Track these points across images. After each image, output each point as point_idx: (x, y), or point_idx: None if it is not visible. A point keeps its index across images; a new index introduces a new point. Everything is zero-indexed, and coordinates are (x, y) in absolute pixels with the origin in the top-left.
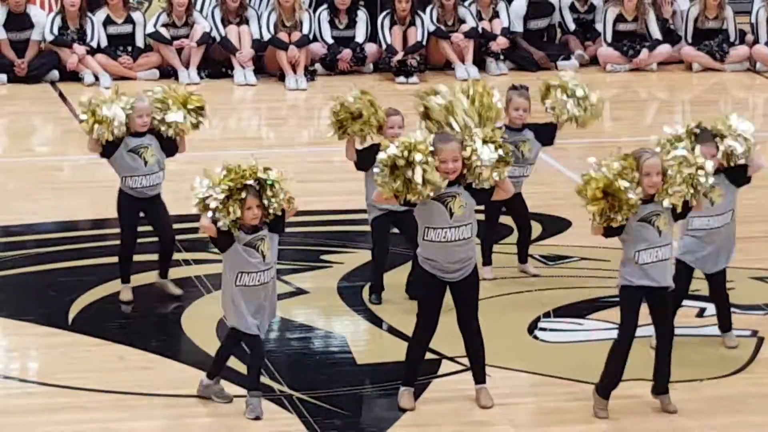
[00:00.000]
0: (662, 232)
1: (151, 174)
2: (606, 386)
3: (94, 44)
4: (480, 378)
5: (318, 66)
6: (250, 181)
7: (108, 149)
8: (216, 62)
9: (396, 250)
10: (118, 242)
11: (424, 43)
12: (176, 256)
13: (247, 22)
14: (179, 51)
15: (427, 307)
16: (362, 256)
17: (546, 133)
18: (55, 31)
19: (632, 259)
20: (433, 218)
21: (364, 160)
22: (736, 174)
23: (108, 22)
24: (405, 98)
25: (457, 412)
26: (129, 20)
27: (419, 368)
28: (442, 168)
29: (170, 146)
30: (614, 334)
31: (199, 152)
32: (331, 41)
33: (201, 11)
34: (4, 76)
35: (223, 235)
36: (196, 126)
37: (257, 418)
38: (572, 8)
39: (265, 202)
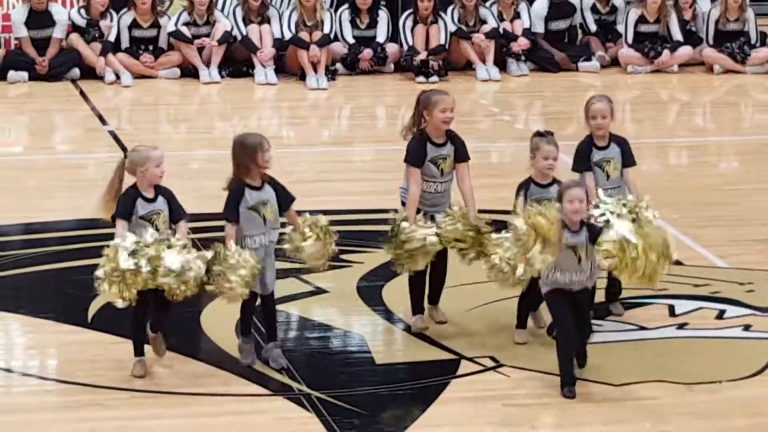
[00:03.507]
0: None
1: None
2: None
3: (111, 38)
4: (436, 299)
5: (339, 65)
6: None
7: (123, 213)
8: (237, 61)
9: None
10: None
11: (447, 46)
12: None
13: (268, 21)
14: (200, 50)
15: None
16: (382, 255)
17: None
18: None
19: None
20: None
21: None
22: None
23: (134, 25)
24: None
25: (476, 413)
26: (155, 25)
27: (423, 299)
28: (442, 117)
29: (179, 211)
30: (635, 335)
31: (219, 150)
32: (352, 41)
33: (222, 10)
34: (25, 74)
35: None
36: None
37: (251, 365)
38: (594, 9)
39: None
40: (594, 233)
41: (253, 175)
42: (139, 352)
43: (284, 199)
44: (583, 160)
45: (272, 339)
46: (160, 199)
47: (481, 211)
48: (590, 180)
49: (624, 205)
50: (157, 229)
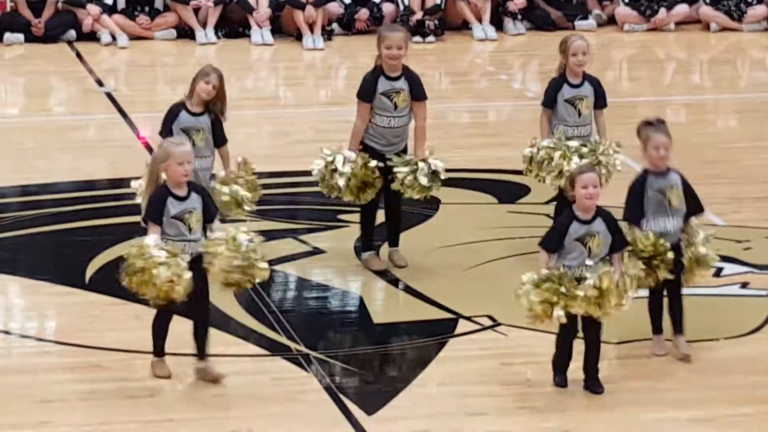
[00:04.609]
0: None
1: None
2: None
3: (109, 1)
4: (394, 242)
5: (335, 26)
6: None
7: (153, 214)
8: (233, 22)
9: (413, 209)
10: (135, 202)
11: (443, 6)
12: None
13: None
14: (196, 11)
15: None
16: (379, 215)
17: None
18: None
19: None
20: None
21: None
22: None
23: None
24: (421, 59)
25: (473, 371)
26: None
27: (372, 234)
28: (387, 53)
29: (211, 209)
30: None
31: None
32: (348, 1)
33: None
34: (21, 36)
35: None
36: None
37: None
38: None
39: None
40: (612, 224)
41: (195, 101)
42: (158, 352)
43: (218, 135)
44: (551, 97)
45: None
46: (193, 195)
47: (478, 171)
48: (546, 118)
49: (585, 145)
50: (189, 229)
